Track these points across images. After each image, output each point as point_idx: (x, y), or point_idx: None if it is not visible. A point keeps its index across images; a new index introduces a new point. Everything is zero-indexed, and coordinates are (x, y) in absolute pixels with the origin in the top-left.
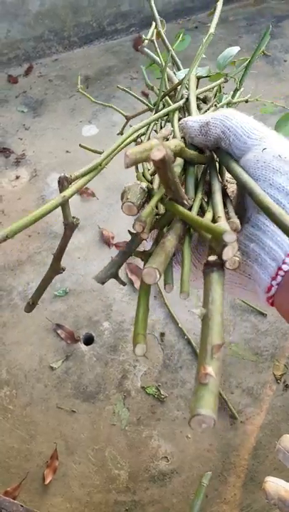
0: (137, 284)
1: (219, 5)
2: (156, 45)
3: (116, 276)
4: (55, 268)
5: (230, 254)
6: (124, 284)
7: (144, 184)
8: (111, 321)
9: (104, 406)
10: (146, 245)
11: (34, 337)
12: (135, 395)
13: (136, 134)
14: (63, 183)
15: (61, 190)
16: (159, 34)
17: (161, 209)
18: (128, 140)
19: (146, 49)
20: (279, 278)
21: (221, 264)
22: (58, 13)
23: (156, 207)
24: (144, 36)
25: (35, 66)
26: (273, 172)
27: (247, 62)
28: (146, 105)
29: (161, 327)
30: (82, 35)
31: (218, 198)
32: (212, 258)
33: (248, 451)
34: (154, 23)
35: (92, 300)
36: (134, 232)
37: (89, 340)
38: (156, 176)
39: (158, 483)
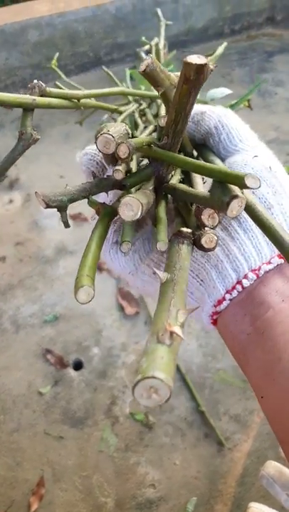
0: (128, 310)
1: (220, 49)
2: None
3: (64, 208)
4: None
5: (235, 211)
6: (67, 225)
7: (129, 128)
8: (100, 346)
9: (92, 432)
10: (102, 198)
11: (23, 362)
12: (123, 421)
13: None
14: (34, 88)
15: (30, 94)
16: (158, 52)
17: (133, 167)
18: (109, 94)
19: (142, 54)
20: (235, 293)
21: (192, 240)
22: (55, 43)
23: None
24: (143, 39)
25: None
26: (260, 181)
27: (231, 104)
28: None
29: None
30: (78, 63)
31: (198, 180)
32: (185, 229)
33: (235, 479)
34: (156, 39)
35: (82, 325)
36: (103, 177)
37: (78, 366)
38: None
39: (145, 511)
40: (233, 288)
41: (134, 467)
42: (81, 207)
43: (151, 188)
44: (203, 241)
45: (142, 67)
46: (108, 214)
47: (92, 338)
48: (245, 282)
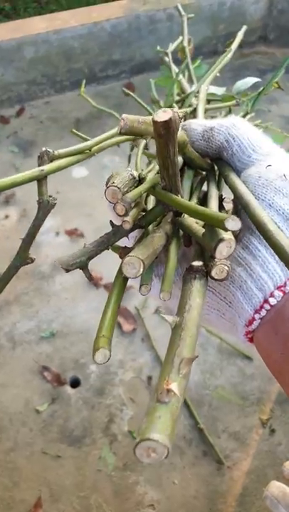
0: (125, 327)
1: (240, 34)
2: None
3: (85, 266)
4: (23, 257)
5: (224, 252)
6: (91, 278)
7: (136, 172)
8: (98, 364)
9: (90, 451)
10: (126, 243)
11: (20, 379)
12: (122, 439)
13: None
14: (43, 157)
15: (40, 164)
16: (183, 50)
17: (149, 204)
18: (122, 140)
19: (166, 58)
20: (263, 312)
21: (205, 272)
22: (51, 60)
23: (145, 202)
24: (159, 49)
25: (27, 108)
26: (275, 192)
27: (262, 88)
28: (150, 113)
29: (148, 370)
30: (73, 79)
31: (214, 204)
32: (197, 263)
33: (234, 498)
34: (180, 38)
35: (79, 342)
36: (117, 223)
37: (75, 383)
38: (151, 170)
39: None
40: (261, 307)
41: (132, 487)
42: (77, 222)
43: (169, 221)
44: (213, 273)
45: (118, 130)
46: None
47: (89, 355)
48: (272, 301)
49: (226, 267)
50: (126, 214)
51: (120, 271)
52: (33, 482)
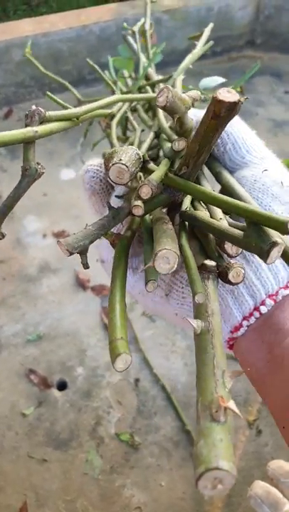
0: None
1: (207, 31)
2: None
3: (85, 251)
4: None
5: (274, 257)
6: (87, 266)
7: (140, 152)
8: (85, 366)
9: (76, 454)
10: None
11: (6, 382)
12: (109, 441)
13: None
14: (33, 116)
15: (27, 124)
16: (144, 33)
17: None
18: (107, 104)
19: (130, 38)
20: (252, 319)
21: (217, 273)
22: (40, 62)
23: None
24: (126, 25)
25: (15, 110)
26: (272, 199)
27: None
28: (113, 91)
29: (135, 372)
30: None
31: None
32: (210, 263)
33: (221, 499)
34: (142, 19)
35: (66, 345)
36: (115, 206)
37: (62, 386)
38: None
39: None
40: (251, 315)
41: (119, 490)
42: (65, 224)
43: (164, 211)
44: (230, 276)
45: (162, 102)
46: (124, 248)
47: (76, 357)
48: (263, 309)
49: (243, 270)
50: (152, 197)
51: (118, 262)
52: (19, 486)
